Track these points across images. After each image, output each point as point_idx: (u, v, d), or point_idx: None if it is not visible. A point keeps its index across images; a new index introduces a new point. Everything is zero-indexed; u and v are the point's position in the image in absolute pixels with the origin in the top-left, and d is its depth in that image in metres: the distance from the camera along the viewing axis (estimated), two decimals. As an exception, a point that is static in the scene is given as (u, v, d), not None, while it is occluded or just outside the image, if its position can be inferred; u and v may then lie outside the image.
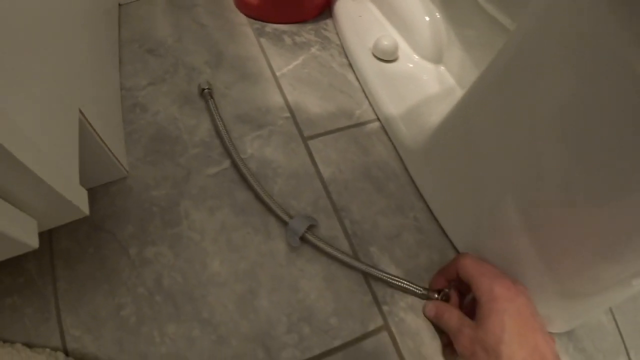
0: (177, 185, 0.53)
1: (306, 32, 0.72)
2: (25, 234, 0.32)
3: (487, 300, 0.37)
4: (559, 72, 0.32)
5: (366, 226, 0.53)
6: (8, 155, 0.26)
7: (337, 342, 0.46)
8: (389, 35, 0.66)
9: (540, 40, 0.33)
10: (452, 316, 0.42)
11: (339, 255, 0.49)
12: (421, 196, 0.56)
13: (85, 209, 0.38)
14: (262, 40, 0.70)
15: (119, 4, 0.77)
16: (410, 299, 0.50)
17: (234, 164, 0.54)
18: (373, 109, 0.63)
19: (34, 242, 0.33)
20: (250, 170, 0.54)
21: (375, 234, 0.53)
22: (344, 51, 0.70)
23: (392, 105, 0.60)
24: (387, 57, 0.65)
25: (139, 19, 0.74)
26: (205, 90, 0.59)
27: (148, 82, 0.63)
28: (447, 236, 0.54)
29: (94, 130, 0.44)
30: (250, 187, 0.53)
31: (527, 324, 0.36)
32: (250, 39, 0.70)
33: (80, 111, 0.41)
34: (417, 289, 0.49)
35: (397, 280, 0.49)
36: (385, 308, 0.48)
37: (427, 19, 0.66)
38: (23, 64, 0.32)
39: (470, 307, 0.44)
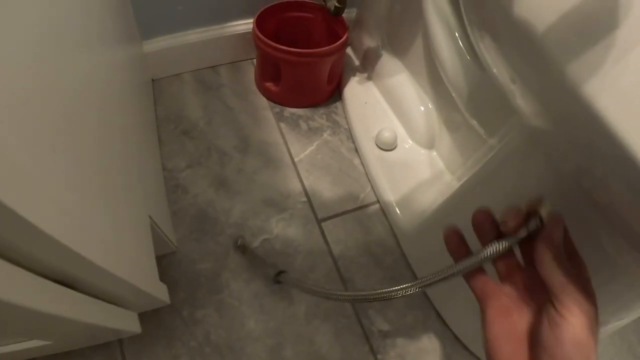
0: (219, 260, 0.79)
1: (319, 117, 0.99)
2: (131, 325, 0.57)
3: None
4: (538, 176, 0.44)
5: (368, 293, 0.80)
6: (118, 279, 0.44)
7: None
8: (390, 127, 0.93)
9: (521, 157, 0.49)
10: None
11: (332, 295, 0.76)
12: (411, 268, 0.83)
13: (166, 300, 0.63)
14: (282, 125, 0.96)
15: (152, 80, 1.04)
16: (399, 349, 0.75)
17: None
18: (374, 192, 0.89)
19: (137, 329, 0.58)
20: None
21: (375, 300, 0.80)
22: (351, 136, 0.97)
23: (389, 191, 0.86)
24: (387, 147, 0.91)
25: (171, 97, 1.00)
26: (239, 242, 0.78)
27: (186, 164, 0.89)
28: (430, 301, 0.80)
29: (155, 224, 0.70)
30: (274, 266, 0.79)
31: None
32: (271, 123, 0.97)
33: (150, 217, 0.66)
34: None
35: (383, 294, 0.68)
36: (379, 357, 0.74)
37: (422, 108, 0.93)
38: (109, 184, 0.58)
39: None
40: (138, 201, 0.58)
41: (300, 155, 0.91)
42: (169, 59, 1.01)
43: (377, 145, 0.92)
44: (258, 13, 0.94)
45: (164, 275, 0.76)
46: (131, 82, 0.74)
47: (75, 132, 0.36)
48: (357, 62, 1.06)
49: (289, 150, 0.91)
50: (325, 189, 0.87)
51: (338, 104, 1.02)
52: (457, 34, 0.73)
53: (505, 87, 0.39)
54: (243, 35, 1.03)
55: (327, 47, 0.88)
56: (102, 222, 0.40)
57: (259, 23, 0.93)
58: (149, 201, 0.67)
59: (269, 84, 0.97)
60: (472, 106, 0.75)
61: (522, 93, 0.37)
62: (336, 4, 0.90)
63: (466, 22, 0.43)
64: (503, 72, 0.38)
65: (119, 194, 0.48)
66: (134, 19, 0.92)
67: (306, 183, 0.87)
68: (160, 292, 0.62)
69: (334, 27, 0.99)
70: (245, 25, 1.03)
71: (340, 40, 0.90)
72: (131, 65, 0.77)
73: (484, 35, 0.38)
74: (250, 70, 1.07)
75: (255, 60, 1.07)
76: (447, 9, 0.75)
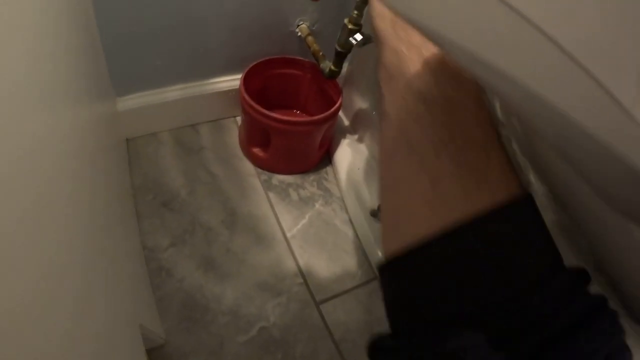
0: (213, 352, 0.80)
1: (309, 184, 1.03)
2: None
3: None
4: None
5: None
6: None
7: None
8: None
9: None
10: None
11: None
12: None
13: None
14: (271, 194, 0.99)
15: (127, 139, 1.05)
16: None
17: None
18: (372, 267, 0.94)
19: None
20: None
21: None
22: (344, 205, 1.01)
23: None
24: (384, 219, 0.96)
25: (149, 161, 1.00)
26: None
27: (169, 242, 0.90)
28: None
29: (142, 327, 0.71)
30: (274, 356, 0.82)
31: None
32: (259, 192, 0.99)
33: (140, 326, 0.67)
34: None
35: None
36: None
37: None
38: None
39: None
40: (120, 304, 0.57)
41: (292, 229, 0.94)
42: (145, 117, 1.02)
43: (372, 215, 0.96)
44: (244, 73, 0.97)
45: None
46: (102, 143, 0.73)
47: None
48: (346, 123, 1.11)
49: (280, 224, 0.94)
50: (322, 267, 0.91)
51: (329, 168, 1.06)
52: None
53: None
54: (226, 93, 1.06)
55: (321, 116, 0.92)
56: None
57: (245, 80, 0.96)
58: (132, 301, 0.68)
59: (257, 150, 1.00)
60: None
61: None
62: (331, 67, 0.95)
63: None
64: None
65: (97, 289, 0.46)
66: (108, 75, 0.92)
67: (301, 262, 0.90)
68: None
69: (325, 87, 1.04)
70: (229, 82, 1.06)
71: (335, 107, 0.94)
72: (103, 124, 0.77)
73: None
74: (233, 130, 1.09)
75: (239, 119, 1.10)
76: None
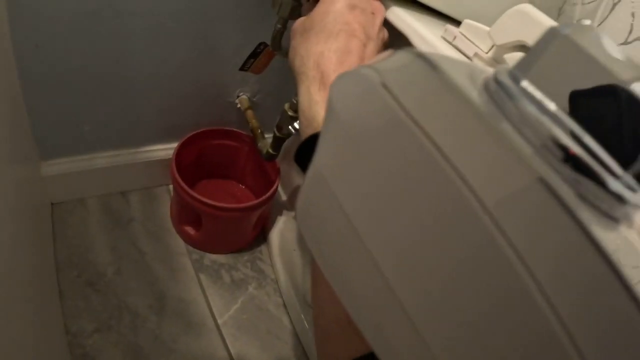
0: None
1: (243, 265, 1.14)
2: None
3: None
4: None
5: None
6: None
7: None
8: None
9: None
10: None
11: None
12: None
13: None
14: (202, 276, 1.10)
15: (52, 203, 1.12)
16: None
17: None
18: (306, 354, 1.07)
19: None
20: None
21: None
22: (279, 288, 1.14)
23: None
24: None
25: (74, 231, 1.07)
26: None
27: (94, 327, 0.98)
28: None
29: None
30: None
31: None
32: (189, 274, 1.09)
33: None
34: None
35: None
36: None
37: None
38: None
39: None
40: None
41: (224, 316, 1.05)
42: (71, 183, 1.07)
43: (310, 307, 1.10)
44: (178, 146, 1.07)
45: None
46: (23, 208, 0.77)
47: None
48: (284, 197, 1.25)
49: (211, 310, 1.05)
50: (254, 356, 1.03)
51: (263, 247, 1.18)
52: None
53: None
54: (159, 162, 1.15)
55: (255, 202, 1.03)
56: None
57: (179, 152, 1.05)
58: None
59: (188, 228, 1.10)
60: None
61: None
62: (269, 150, 1.07)
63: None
64: None
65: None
66: (32, 138, 0.97)
67: (233, 351, 1.01)
68: None
69: (263, 162, 1.17)
70: (162, 151, 1.15)
71: (271, 190, 1.06)
72: (24, 189, 0.81)
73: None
74: (165, 200, 1.19)
75: (172, 187, 1.20)
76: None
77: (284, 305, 1.07)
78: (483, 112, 0.17)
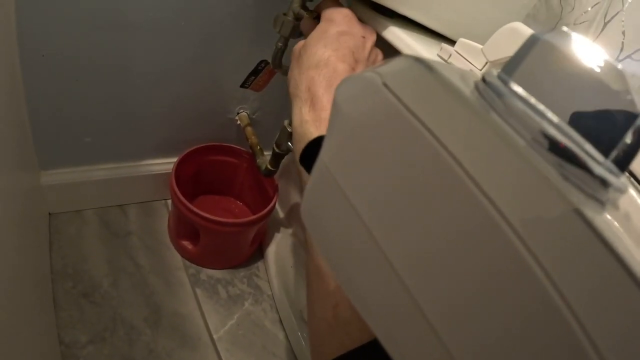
0: None
1: (239, 281, 1.16)
2: None
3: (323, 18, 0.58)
4: None
5: None
6: None
7: None
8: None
9: None
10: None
11: None
12: None
13: None
14: (198, 291, 1.11)
15: (49, 213, 1.13)
16: None
17: None
18: (300, 372, 1.07)
19: None
20: None
21: None
22: (275, 304, 1.15)
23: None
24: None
25: (71, 242, 1.08)
26: None
27: (88, 339, 0.98)
28: None
29: None
30: None
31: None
32: (186, 288, 1.11)
33: None
34: None
35: None
36: None
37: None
38: None
39: None
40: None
41: (219, 331, 1.06)
42: (70, 194, 1.09)
43: (305, 321, 1.11)
44: (177, 161, 1.09)
45: None
46: (20, 217, 0.78)
47: None
48: (282, 215, 1.26)
49: (207, 325, 1.06)
50: (249, 373, 1.04)
51: (260, 263, 1.20)
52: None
53: None
54: (158, 176, 1.17)
55: (253, 217, 1.05)
56: None
57: (178, 166, 1.07)
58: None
59: (185, 242, 1.12)
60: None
61: None
62: (268, 166, 1.10)
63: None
64: None
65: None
66: (32, 146, 0.99)
67: (227, 367, 1.03)
68: None
69: (261, 178, 1.19)
70: (162, 165, 1.17)
71: (269, 206, 1.08)
72: (22, 197, 0.82)
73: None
74: (163, 214, 1.21)
75: (170, 202, 1.22)
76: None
77: (280, 322, 1.08)
78: (477, 108, 0.19)
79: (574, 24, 0.63)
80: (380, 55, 0.60)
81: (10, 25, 0.78)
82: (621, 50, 0.56)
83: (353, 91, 0.25)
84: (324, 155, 0.26)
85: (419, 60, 0.22)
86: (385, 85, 0.22)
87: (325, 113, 0.47)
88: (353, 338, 0.36)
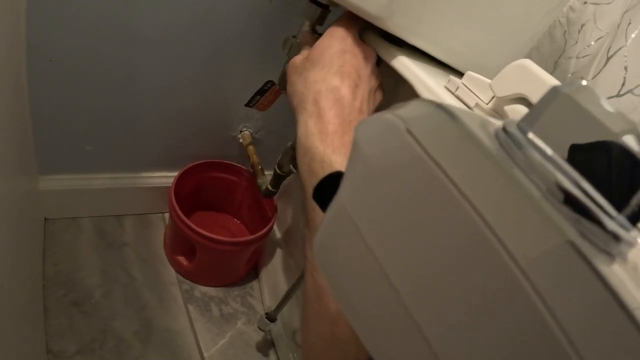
0: None
1: (233, 299, 1.16)
2: None
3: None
4: None
5: None
6: None
7: None
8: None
9: None
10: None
11: None
12: None
13: None
14: (191, 307, 1.11)
15: (45, 218, 1.13)
16: None
17: None
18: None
19: None
20: None
21: None
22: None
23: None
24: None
25: (65, 248, 1.08)
26: None
27: (76, 349, 0.98)
28: None
29: None
30: None
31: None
32: (178, 304, 1.11)
33: None
34: None
35: None
36: None
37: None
38: None
39: None
40: None
41: (210, 349, 1.06)
42: (67, 200, 1.09)
43: (298, 344, 1.11)
44: (177, 175, 1.09)
45: None
46: (17, 220, 0.78)
47: None
48: (278, 235, 1.27)
49: (198, 343, 1.06)
50: (237, 393, 1.03)
51: (255, 283, 1.20)
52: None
53: None
54: (156, 189, 1.18)
55: (252, 237, 1.05)
56: None
57: (178, 181, 1.07)
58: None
59: (181, 258, 1.12)
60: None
61: None
62: (269, 187, 1.10)
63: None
64: None
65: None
66: (33, 150, 1.00)
67: (215, 388, 1.03)
68: None
69: (260, 198, 1.19)
70: (161, 178, 1.18)
71: (267, 227, 1.09)
72: (20, 201, 0.82)
73: None
74: (159, 227, 1.21)
75: (167, 216, 1.22)
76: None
77: (273, 343, 1.08)
78: (497, 158, 0.20)
79: (577, 58, 0.64)
80: (380, 78, 0.62)
81: (20, 27, 0.79)
82: (623, 84, 0.57)
83: (375, 132, 0.26)
84: (342, 193, 0.27)
85: (440, 107, 0.24)
86: (408, 131, 0.23)
87: (332, 127, 0.48)
88: (349, 357, 0.37)
